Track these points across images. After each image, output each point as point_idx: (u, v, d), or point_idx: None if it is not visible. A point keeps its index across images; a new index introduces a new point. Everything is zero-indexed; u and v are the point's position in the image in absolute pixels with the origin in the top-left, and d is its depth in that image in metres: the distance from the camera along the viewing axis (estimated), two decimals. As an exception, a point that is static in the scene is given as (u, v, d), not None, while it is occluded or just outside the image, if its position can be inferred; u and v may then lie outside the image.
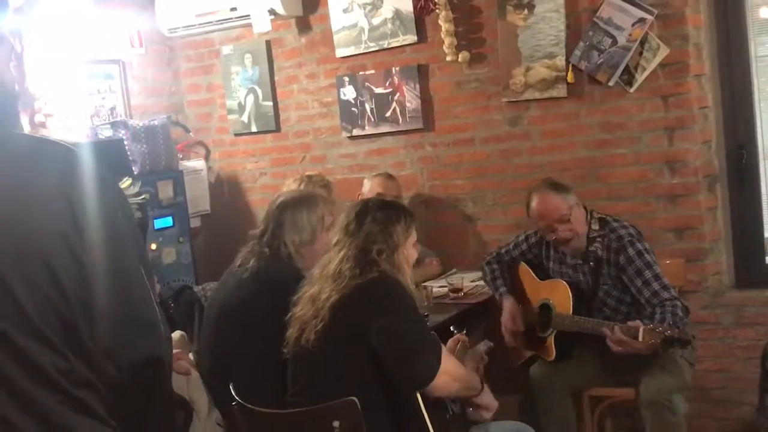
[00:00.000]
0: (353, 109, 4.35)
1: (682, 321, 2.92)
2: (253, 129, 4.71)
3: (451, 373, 2.33)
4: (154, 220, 4.20)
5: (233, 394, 2.44)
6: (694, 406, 3.67)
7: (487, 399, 2.44)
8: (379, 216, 2.45)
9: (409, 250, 2.50)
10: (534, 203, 3.22)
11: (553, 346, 3.24)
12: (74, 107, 4.16)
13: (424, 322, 2.56)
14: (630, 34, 3.56)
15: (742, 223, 3.67)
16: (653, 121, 3.62)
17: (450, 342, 2.73)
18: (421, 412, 2.30)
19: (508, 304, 3.42)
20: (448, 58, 3.97)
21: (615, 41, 3.60)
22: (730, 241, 3.71)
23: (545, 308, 3.33)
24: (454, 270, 4.04)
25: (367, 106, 4.31)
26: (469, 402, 2.46)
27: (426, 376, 2.27)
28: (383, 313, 2.30)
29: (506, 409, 3.78)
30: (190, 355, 2.73)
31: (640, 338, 2.76)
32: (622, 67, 3.60)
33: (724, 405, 3.64)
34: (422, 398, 2.33)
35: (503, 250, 3.57)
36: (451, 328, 2.70)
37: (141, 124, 4.29)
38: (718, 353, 3.64)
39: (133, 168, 4.14)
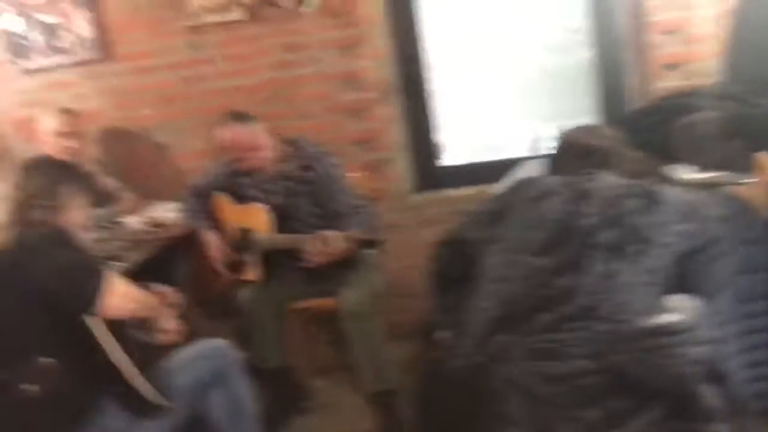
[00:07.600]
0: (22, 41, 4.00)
1: (376, 222, 3.16)
2: None
3: (121, 293, 2.21)
4: None
5: None
6: (393, 302, 4.02)
7: (169, 323, 2.43)
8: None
9: None
10: (221, 136, 3.25)
11: (257, 267, 3.35)
12: None
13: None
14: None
15: (418, 132, 3.99)
16: (330, 40, 3.76)
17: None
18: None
19: (210, 238, 3.47)
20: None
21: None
22: (408, 149, 4.03)
23: (245, 232, 3.41)
24: (152, 203, 3.97)
25: (38, 37, 3.98)
26: (153, 327, 2.43)
27: (90, 293, 2.13)
28: None
29: (222, 333, 3.89)
30: None
31: (336, 245, 2.95)
32: (295, -12, 3.67)
33: (420, 298, 3.99)
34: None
35: (200, 182, 3.57)
36: None
37: None
38: (408, 252, 3.98)
39: None
